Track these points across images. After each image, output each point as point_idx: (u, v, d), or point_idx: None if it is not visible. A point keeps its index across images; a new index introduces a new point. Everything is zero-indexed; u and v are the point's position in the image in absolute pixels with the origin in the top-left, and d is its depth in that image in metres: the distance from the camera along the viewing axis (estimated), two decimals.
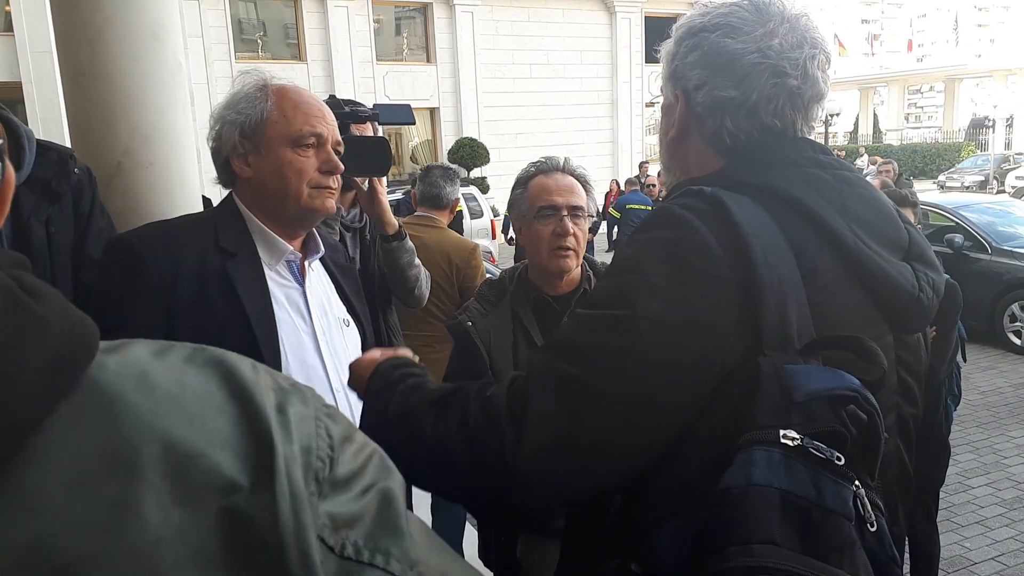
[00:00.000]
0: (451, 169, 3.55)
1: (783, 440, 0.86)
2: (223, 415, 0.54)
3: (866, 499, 0.87)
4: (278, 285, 1.62)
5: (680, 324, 0.97)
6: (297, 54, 21.08)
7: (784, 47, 1.09)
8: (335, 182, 1.64)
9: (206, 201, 4.19)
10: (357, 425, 1.71)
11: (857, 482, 0.87)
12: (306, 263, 1.69)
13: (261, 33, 21.28)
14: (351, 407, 1.68)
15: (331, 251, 1.84)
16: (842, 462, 0.87)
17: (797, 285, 0.99)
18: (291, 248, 1.64)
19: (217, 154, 1.63)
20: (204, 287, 1.51)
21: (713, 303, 0.97)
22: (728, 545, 0.85)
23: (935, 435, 1.30)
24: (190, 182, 2.31)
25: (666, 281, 0.98)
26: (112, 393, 0.52)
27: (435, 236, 3.31)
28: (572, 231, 1.87)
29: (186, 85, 2.29)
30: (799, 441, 0.86)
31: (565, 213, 1.88)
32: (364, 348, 1.78)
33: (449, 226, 3.53)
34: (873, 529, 0.87)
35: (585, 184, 1.96)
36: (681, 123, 1.19)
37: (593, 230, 1.98)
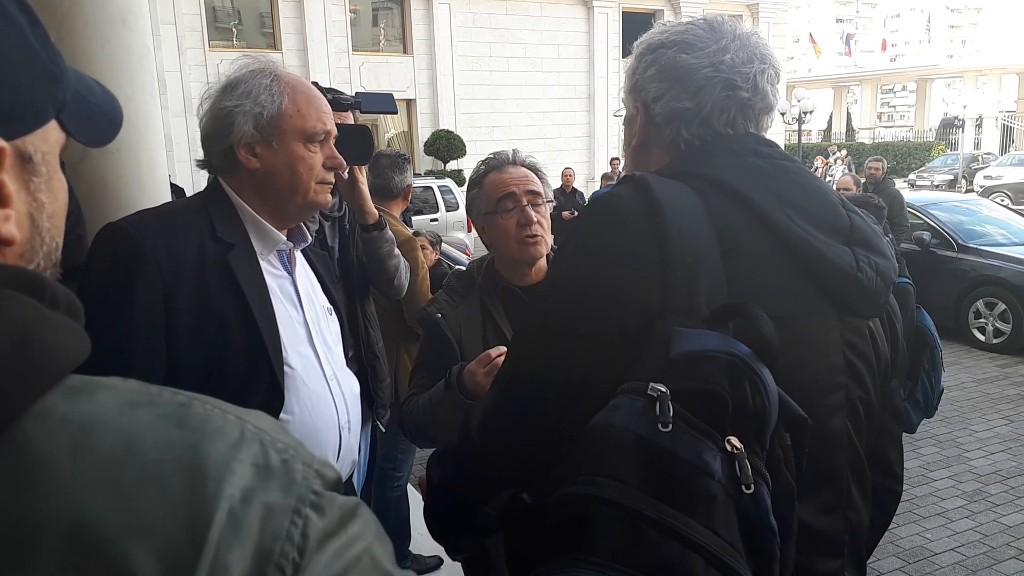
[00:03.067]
0: (400, 156, 3.43)
1: (649, 391, 0.92)
2: (163, 495, 0.47)
3: (746, 463, 0.91)
4: (271, 275, 1.62)
5: (591, 291, 1.08)
6: (272, 43, 20.84)
7: (736, 62, 1.19)
8: (333, 176, 1.66)
9: (176, 189, 4.15)
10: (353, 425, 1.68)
11: (736, 443, 0.91)
12: (296, 252, 1.70)
13: (236, 21, 21.00)
14: (344, 395, 1.70)
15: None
16: (700, 419, 0.92)
17: (714, 260, 1.06)
18: (283, 238, 1.64)
19: (218, 140, 1.60)
20: (203, 278, 1.49)
21: (633, 263, 1.06)
22: (578, 475, 0.92)
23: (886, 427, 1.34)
24: (158, 168, 2.29)
25: (583, 256, 1.12)
26: (36, 454, 0.46)
27: None
28: (535, 219, 1.87)
29: (154, 72, 2.27)
30: (661, 392, 0.92)
31: (525, 202, 1.88)
32: (352, 335, 1.80)
33: (402, 214, 3.46)
34: (749, 492, 0.90)
35: (538, 172, 1.96)
36: (642, 133, 1.28)
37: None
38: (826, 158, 26.72)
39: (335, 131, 1.66)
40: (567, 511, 0.92)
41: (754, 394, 0.94)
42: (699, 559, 0.85)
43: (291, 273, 1.68)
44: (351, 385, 1.76)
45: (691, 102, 1.19)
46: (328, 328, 1.75)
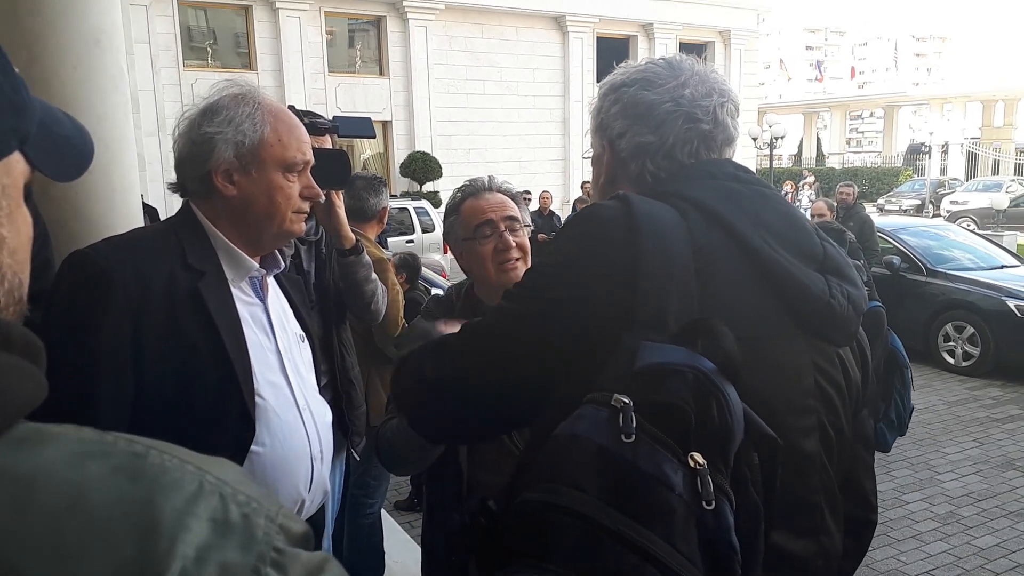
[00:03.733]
0: (376, 179, 3.41)
1: (613, 402, 0.93)
2: (109, 555, 0.44)
3: (708, 478, 0.91)
4: (243, 303, 1.59)
5: (574, 280, 1.11)
6: (247, 63, 20.81)
7: (695, 96, 1.23)
8: (309, 206, 1.65)
9: (149, 209, 4.09)
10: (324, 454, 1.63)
11: (699, 459, 0.91)
12: (268, 279, 1.67)
13: (211, 41, 20.96)
14: (316, 424, 1.66)
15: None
16: (661, 433, 0.92)
17: (687, 277, 1.08)
18: (256, 265, 1.61)
19: (195, 166, 1.56)
20: (173, 307, 1.46)
21: (606, 270, 1.08)
22: (540, 482, 0.94)
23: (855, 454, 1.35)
24: (131, 190, 2.26)
25: (563, 256, 1.15)
26: None
27: None
28: (513, 243, 1.87)
29: (128, 92, 2.24)
30: (627, 404, 0.92)
31: (503, 228, 1.87)
32: (325, 362, 1.76)
33: (378, 236, 3.46)
34: (710, 508, 0.90)
35: (514, 198, 1.96)
36: (609, 169, 1.32)
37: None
38: (796, 183, 27.11)
39: (312, 160, 1.64)
40: (527, 517, 0.93)
41: (718, 411, 0.95)
42: (655, 572, 0.86)
43: (263, 300, 1.65)
44: (323, 414, 1.73)
45: (654, 136, 1.24)
46: (300, 355, 1.72)
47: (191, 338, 1.46)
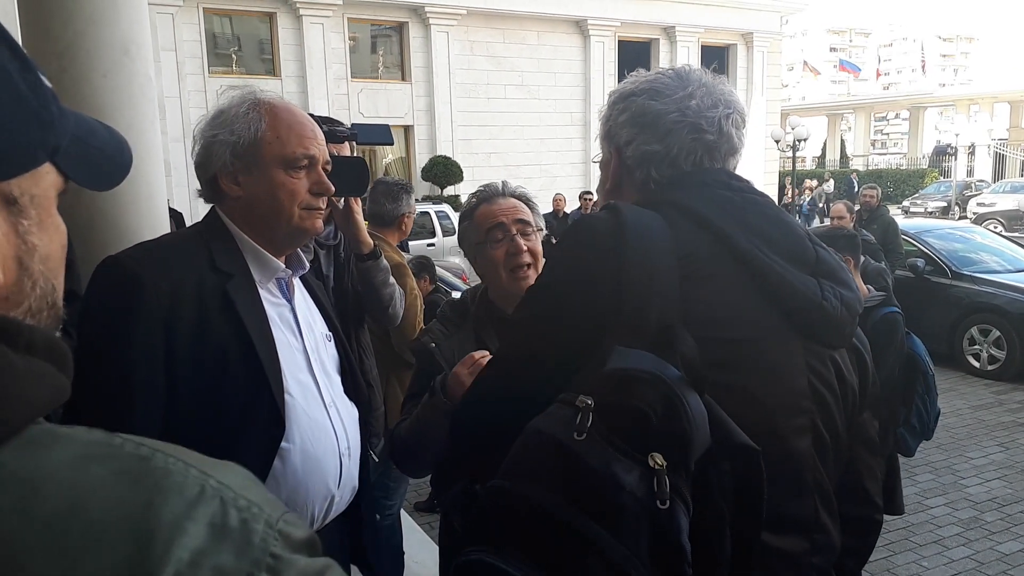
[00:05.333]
0: (397, 184, 3.43)
1: (577, 403, 1.00)
2: (105, 558, 0.46)
3: (664, 479, 0.96)
4: (271, 304, 1.62)
5: (562, 289, 1.18)
6: (271, 70, 21.01)
7: (701, 107, 1.27)
8: (324, 202, 1.65)
9: (175, 214, 4.16)
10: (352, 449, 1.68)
11: (659, 460, 0.96)
12: (294, 279, 1.70)
13: (235, 48, 21.19)
14: (343, 421, 1.69)
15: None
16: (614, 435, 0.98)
17: (671, 284, 1.12)
18: (282, 266, 1.64)
19: (203, 171, 1.60)
20: (203, 310, 1.48)
21: (591, 277, 1.14)
22: (503, 472, 1.02)
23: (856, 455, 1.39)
24: (157, 195, 2.32)
25: (559, 265, 1.23)
26: None
27: None
28: (525, 247, 1.88)
29: (156, 100, 2.30)
30: (588, 405, 0.99)
31: (514, 231, 1.89)
32: (347, 362, 1.78)
33: (400, 243, 3.48)
34: (663, 507, 0.95)
35: (528, 203, 1.98)
36: (615, 175, 1.36)
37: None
38: (820, 181, 26.89)
39: (325, 156, 1.64)
40: (491, 502, 1.02)
41: (679, 417, 0.99)
42: (598, 562, 0.92)
43: (290, 301, 1.68)
44: (350, 411, 1.76)
45: (660, 145, 1.27)
46: (327, 355, 1.74)
47: (221, 339, 1.49)
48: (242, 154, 1.55)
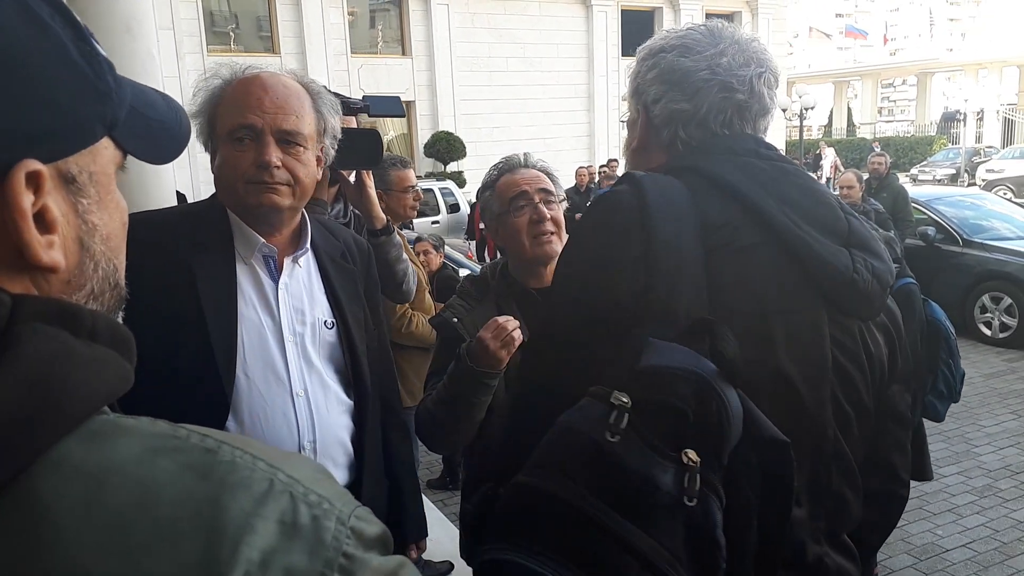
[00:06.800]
0: (398, 160, 3.30)
1: (612, 400, 0.96)
2: (173, 557, 0.44)
3: (696, 476, 0.93)
4: (248, 279, 1.59)
5: (591, 267, 1.14)
6: (271, 47, 20.85)
7: (732, 65, 1.22)
8: (275, 176, 1.55)
9: (180, 196, 4.14)
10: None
11: (693, 456, 0.93)
12: (286, 259, 1.65)
13: (233, 26, 21.01)
14: (312, 412, 1.62)
15: (330, 248, 1.77)
16: (654, 436, 0.95)
17: (698, 267, 1.09)
18: (262, 241, 1.61)
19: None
20: (167, 280, 1.48)
21: (621, 255, 1.10)
22: (534, 466, 0.98)
23: (887, 428, 1.36)
24: (163, 176, 2.29)
25: (582, 249, 1.19)
26: (43, 509, 0.43)
27: None
28: (548, 215, 1.89)
29: (159, 77, 2.26)
30: (625, 403, 0.95)
31: (537, 199, 1.90)
32: (350, 353, 1.71)
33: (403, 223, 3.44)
34: (692, 504, 0.93)
35: (549, 175, 1.99)
36: (642, 135, 1.32)
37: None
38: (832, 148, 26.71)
39: (281, 125, 1.55)
40: (516, 499, 0.98)
41: (716, 414, 0.96)
42: (634, 562, 0.89)
43: (276, 280, 1.63)
44: (335, 404, 1.67)
45: (688, 104, 1.23)
46: (318, 341, 1.66)
47: (176, 309, 1.48)
48: (202, 131, 1.58)
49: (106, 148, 0.58)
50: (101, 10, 2.04)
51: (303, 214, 1.71)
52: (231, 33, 20.97)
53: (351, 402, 1.72)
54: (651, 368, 0.99)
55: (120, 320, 0.58)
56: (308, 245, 1.69)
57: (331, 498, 0.51)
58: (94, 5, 2.02)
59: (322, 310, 1.70)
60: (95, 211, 0.57)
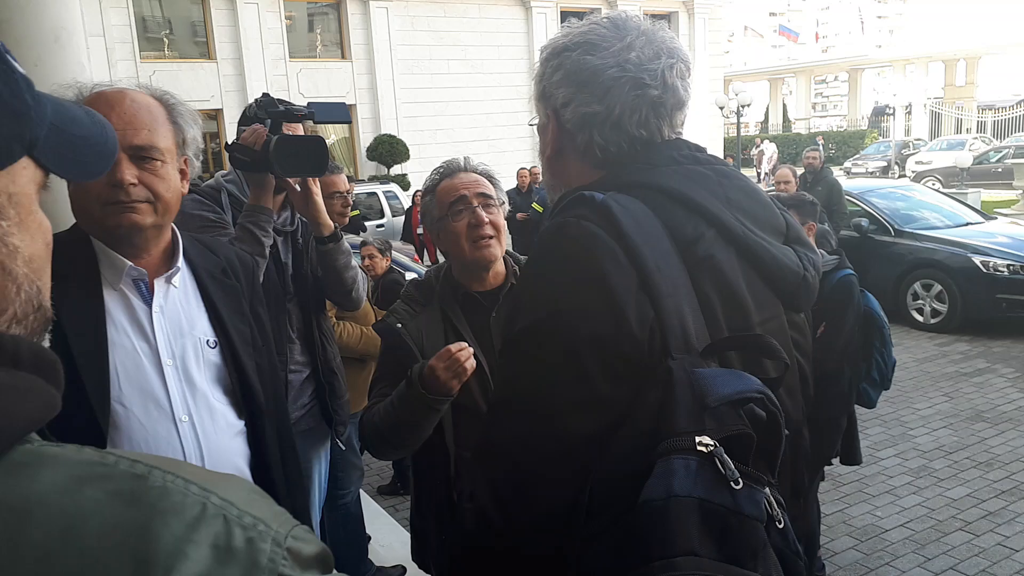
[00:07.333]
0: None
1: (699, 447, 0.88)
2: None
3: (772, 498, 0.90)
4: (119, 306, 1.52)
5: (578, 314, 1.01)
6: (206, 52, 20.46)
7: (642, 59, 1.14)
8: (132, 194, 1.48)
9: None
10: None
11: (769, 478, 0.92)
12: (158, 280, 1.57)
13: (167, 31, 20.54)
14: (199, 437, 1.55)
15: (209, 265, 1.68)
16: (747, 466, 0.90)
17: (686, 287, 1.04)
18: (130, 264, 1.53)
19: None
20: None
21: (610, 295, 1.00)
22: (651, 559, 0.86)
23: (822, 415, 1.39)
24: None
25: (560, 293, 1.04)
26: None
27: None
28: (487, 219, 1.89)
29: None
30: (712, 447, 0.88)
31: (476, 204, 1.90)
32: (237, 372, 1.61)
33: (352, 220, 3.45)
34: (780, 527, 0.90)
35: (490, 178, 1.99)
36: (555, 141, 1.23)
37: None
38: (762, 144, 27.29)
39: (131, 140, 1.49)
40: None
41: (770, 427, 0.95)
42: None
43: (149, 303, 1.56)
44: (223, 425, 1.60)
45: (600, 105, 1.14)
46: (201, 362, 1.58)
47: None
48: None
49: (25, 168, 0.56)
50: (28, 19, 1.99)
51: (174, 231, 1.63)
52: (165, 39, 20.51)
53: (242, 424, 1.64)
54: (723, 399, 0.92)
55: (47, 343, 0.56)
56: (180, 263, 1.61)
57: (266, 519, 0.49)
58: (20, 14, 1.97)
59: (203, 329, 1.62)
60: (16, 233, 0.55)
